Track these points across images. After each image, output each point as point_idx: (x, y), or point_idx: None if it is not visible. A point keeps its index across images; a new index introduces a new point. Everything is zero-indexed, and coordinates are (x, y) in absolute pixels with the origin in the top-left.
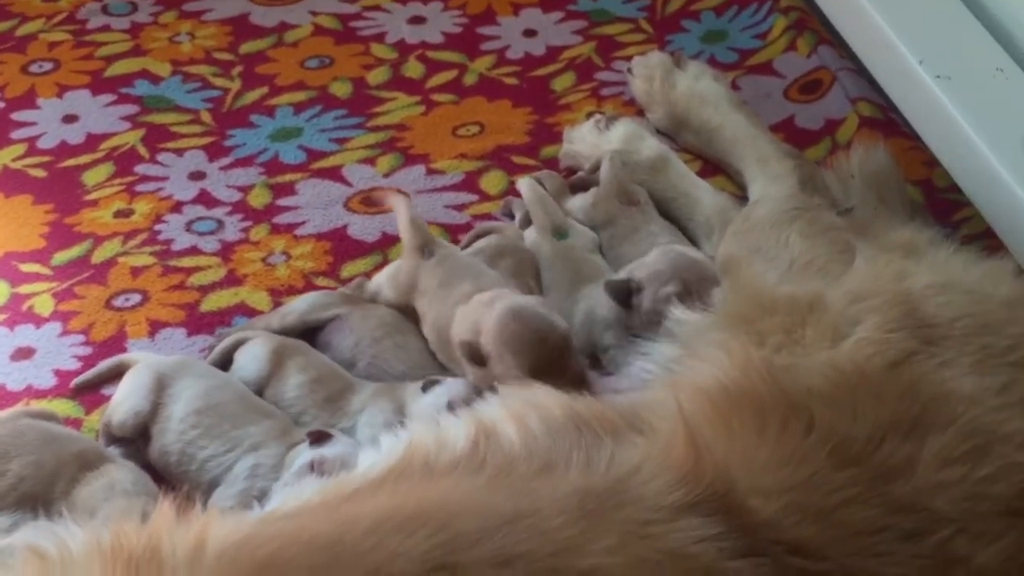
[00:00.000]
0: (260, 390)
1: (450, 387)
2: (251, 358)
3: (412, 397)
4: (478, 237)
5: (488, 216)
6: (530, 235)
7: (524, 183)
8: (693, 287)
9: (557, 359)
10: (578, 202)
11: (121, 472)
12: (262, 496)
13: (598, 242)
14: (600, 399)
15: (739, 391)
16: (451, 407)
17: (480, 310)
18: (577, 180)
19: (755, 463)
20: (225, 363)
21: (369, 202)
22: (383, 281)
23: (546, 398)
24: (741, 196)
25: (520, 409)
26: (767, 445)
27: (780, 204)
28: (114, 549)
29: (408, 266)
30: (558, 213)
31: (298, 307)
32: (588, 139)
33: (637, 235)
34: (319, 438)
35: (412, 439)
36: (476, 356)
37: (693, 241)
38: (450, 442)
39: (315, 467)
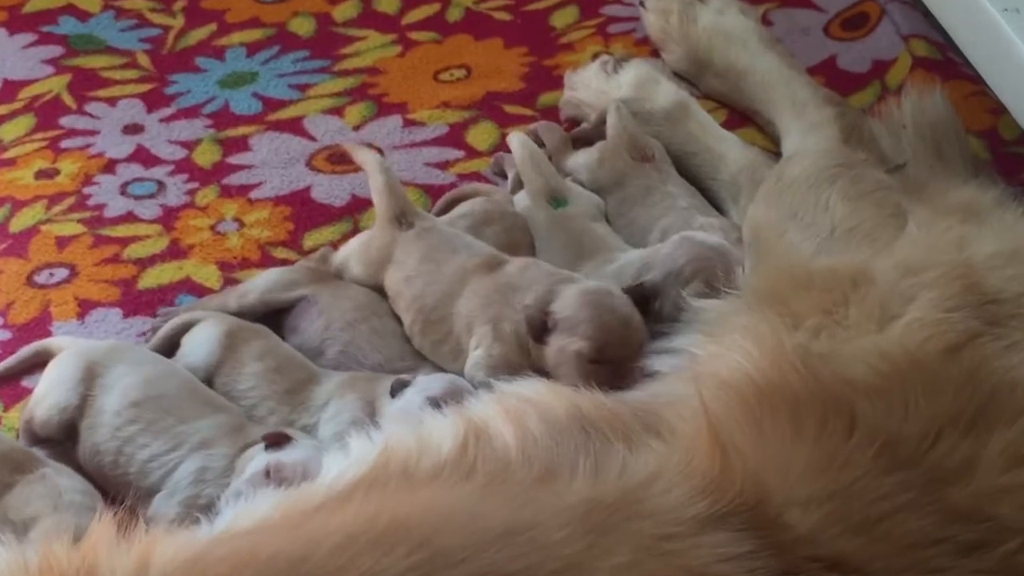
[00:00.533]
0: (210, 379)
1: (424, 386)
2: (200, 342)
3: (384, 396)
4: (456, 201)
5: (476, 176)
6: (522, 200)
7: (515, 138)
8: (718, 281)
9: (631, 352)
10: (581, 159)
11: (64, 478)
12: (210, 505)
13: (603, 208)
14: (610, 396)
15: (770, 385)
16: (433, 403)
17: (551, 283)
18: (580, 133)
19: (790, 468)
20: (169, 349)
21: (336, 159)
22: (351, 254)
23: (548, 395)
24: (773, 151)
25: (517, 407)
26: (804, 447)
27: (819, 160)
28: (43, 573)
29: (381, 238)
30: (555, 174)
31: (258, 285)
32: (593, 85)
33: (651, 197)
34: (277, 441)
35: (388, 441)
36: (540, 326)
37: (716, 204)
38: (434, 444)
39: (271, 474)
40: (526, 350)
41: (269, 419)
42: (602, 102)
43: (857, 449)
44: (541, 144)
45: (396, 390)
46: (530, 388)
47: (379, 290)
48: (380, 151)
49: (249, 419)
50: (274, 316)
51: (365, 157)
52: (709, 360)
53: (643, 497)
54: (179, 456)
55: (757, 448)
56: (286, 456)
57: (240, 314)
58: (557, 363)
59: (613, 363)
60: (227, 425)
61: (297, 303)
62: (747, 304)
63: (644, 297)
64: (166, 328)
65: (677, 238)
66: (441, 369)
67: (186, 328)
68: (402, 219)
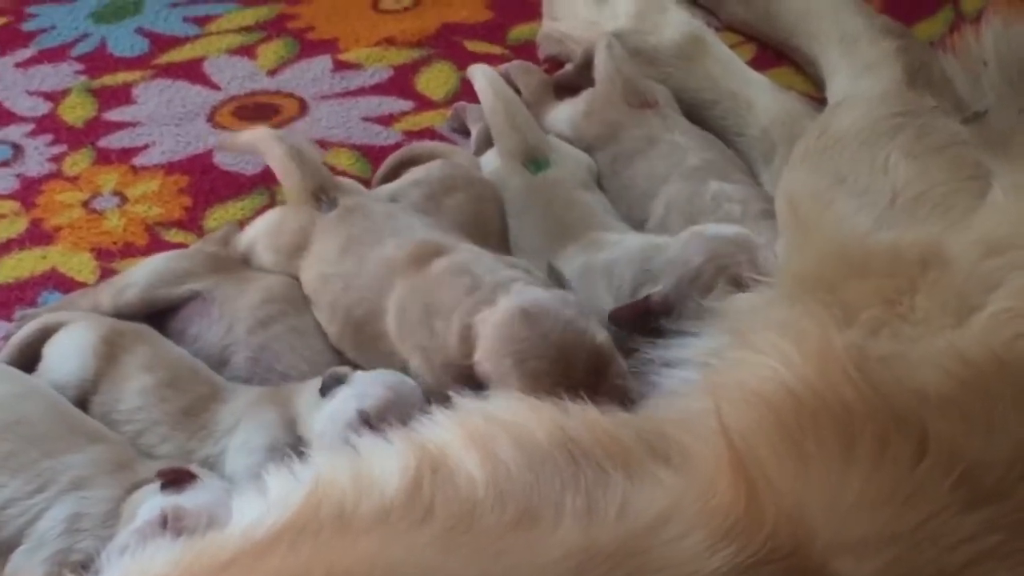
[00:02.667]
0: (83, 400)
1: (360, 389)
2: (69, 353)
3: (307, 405)
4: (405, 166)
5: (430, 133)
6: (491, 162)
7: (480, 74)
8: (738, 276)
9: (585, 379)
10: (565, 112)
11: None
12: (87, 562)
13: (594, 171)
14: (606, 412)
15: (815, 397)
16: (366, 419)
17: (472, 311)
18: (565, 77)
19: (839, 503)
20: (29, 361)
21: (248, 111)
22: (258, 236)
23: (524, 413)
24: (816, 97)
25: (485, 430)
26: (858, 476)
27: (875, 108)
28: None
29: (296, 220)
30: (534, 127)
31: (140, 277)
32: (581, 13)
33: (654, 149)
34: (175, 479)
35: (318, 477)
36: (470, 378)
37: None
38: (378, 480)
39: (168, 523)
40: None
41: (161, 448)
42: (592, 36)
43: (928, 478)
44: (516, 91)
45: (329, 386)
46: (501, 405)
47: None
48: (303, 103)
49: (136, 451)
50: (160, 318)
51: (248, 139)
52: (733, 367)
53: (649, 545)
54: (45, 500)
55: (796, 477)
56: (188, 500)
57: (118, 315)
58: None
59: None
60: (108, 459)
61: (189, 301)
62: (784, 295)
63: (646, 314)
64: (22, 334)
65: (686, 235)
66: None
67: (49, 334)
68: (321, 195)
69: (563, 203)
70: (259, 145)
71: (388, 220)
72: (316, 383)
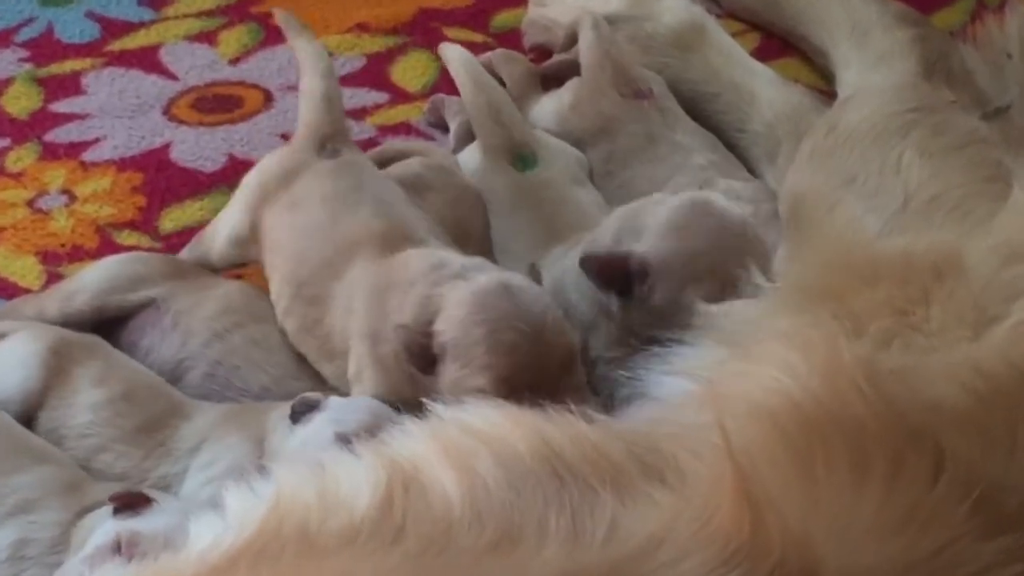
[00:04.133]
0: (28, 415)
1: (336, 414)
2: (13, 364)
3: (277, 430)
4: (380, 165)
5: (405, 128)
6: (472, 160)
7: (456, 61)
8: (736, 278)
9: (553, 373)
10: (549, 105)
11: None
12: None
13: (586, 165)
14: (595, 425)
15: (823, 411)
16: (343, 443)
17: (436, 285)
18: (553, 68)
19: (850, 528)
20: None
21: (208, 103)
22: (234, 213)
23: (505, 425)
24: (825, 91)
25: (461, 444)
26: (870, 498)
27: (889, 102)
28: None
29: (290, 158)
30: (519, 121)
31: (89, 282)
32: None
33: (654, 148)
34: (129, 503)
35: (280, 494)
36: (421, 353)
37: (744, 165)
38: (345, 498)
39: (123, 548)
40: (415, 379)
41: (115, 466)
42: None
43: (945, 501)
44: (500, 82)
45: (299, 413)
46: (479, 416)
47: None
48: (268, 94)
49: (86, 470)
50: (110, 327)
51: (307, 48)
52: (735, 379)
53: (641, 571)
54: None
55: (803, 499)
56: (143, 523)
57: (66, 323)
58: (457, 397)
59: (536, 391)
60: (56, 481)
61: (142, 309)
62: (788, 303)
63: (624, 272)
64: None
65: (686, 200)
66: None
67: None
68: (328, 143)
69: (554, 203)
70: (304, 62)
71: (379, 187)
72: (286, 407)
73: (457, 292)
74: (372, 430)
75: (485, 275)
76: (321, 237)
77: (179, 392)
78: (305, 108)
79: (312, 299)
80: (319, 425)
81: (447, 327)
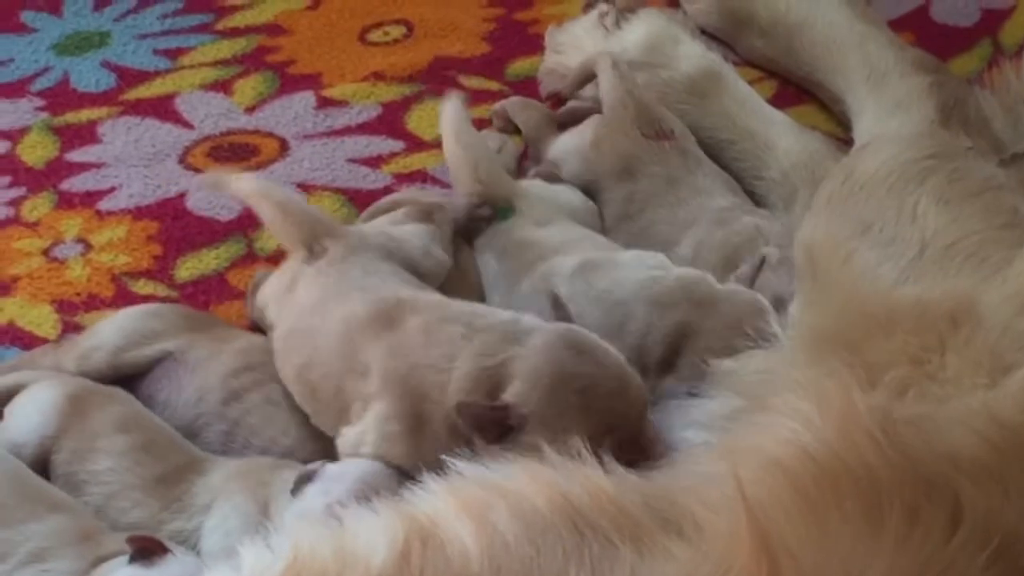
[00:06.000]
0: (43, 460)
1: (329, 481)
2: (31, 410)
3: (283, 495)
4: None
5: (421, 176)
6: (570, 141)
7: (446, 110)
8: (711, 340)
9: (634, 423)
10: (570, 142)
11: None
12: None
13: (593, 211)
14: (612, 478)
15: (838, 462)
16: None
17: (478, 351)
18: (569, 114)
19: None
20: None
21: (223, 152)
22: (269, 293)
23: (523, 479)
24: (842, 138)
25: (479, 498)
26: (885, 550)
27: (905, 150)
28: None
29: (288, 272)
30: (500, 177)
31: (107, 339)
32: (587, 46)
33: (675, 192)
34: (145, 548)
35: (297, 550)
36: (494, 427)
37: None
38: (362, 554)
39: None
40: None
41: (131, 515)
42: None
43: (962, 553)
44: (513, 127)
45: (300, 485)
46: (498, 470)
47: None
48: (284, 143)
49: (101, 517)
50: (128, 383)
51: (237, 185)
52: (749, 430)
53: None
54: (2, 573)
55: (819, 552)
56: (157, 574)
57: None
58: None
59: (625, 441)
60: (70, 530)
61: (159, 362)
62: (803, 353)
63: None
64: None
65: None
66: None
67: (10, 395)
68: (313, 244)
69: (516, 247)
70: (246, 198)
71: (363, 275)
72: (293, 472)
73: (525, 361)
74: (363, 497)
75: (541, 336)
76: (317, 334)
77: (195, 448)
78: (272, 230)
79: (318, 382)
80: (310, 498)
81: (528, 399)
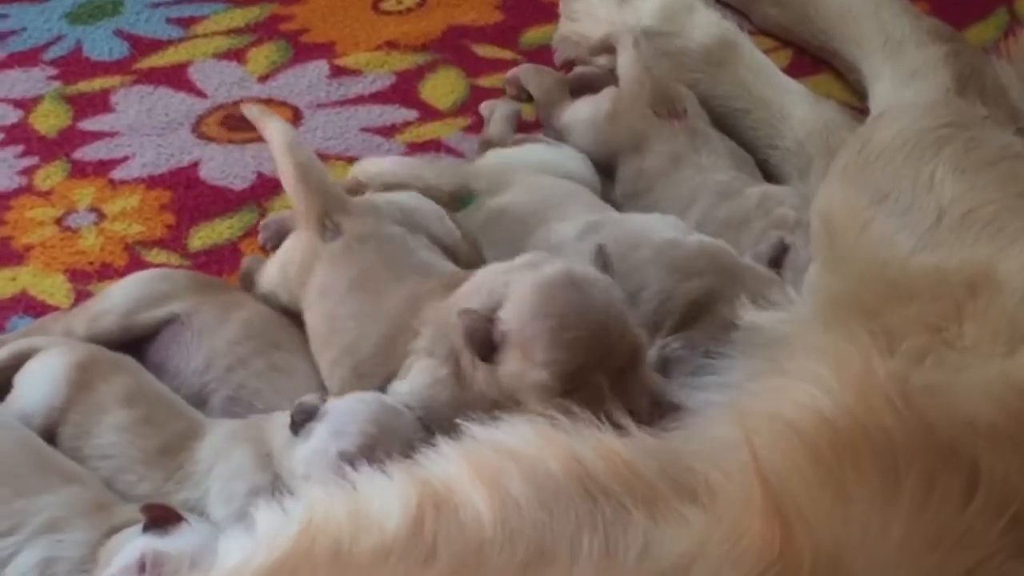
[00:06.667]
0: (50, 430)
1: (339, 423)
2: (40, 379)
3: (281, 441)
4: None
5: (435, 145)
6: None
7: (274, 133)
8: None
9: (618, 369)
10: (585, 110)
11: None
12: None
13: (597, 188)
14: (627, 442)
15: (855, 427)
16: (346, 459)
17: (505, 275)
18: (580, 79)
19: (882, 548)
20: None
21: (235, 122)
22: (274, 274)
23: (537, 444)
24: (857, 107)
25: (493, 463)
26: (902, 518)
27: (921, 118)
28: None
29: (301, 252)
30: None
31: (117, 302)
32: (601, 13)
33: (678, 171)
34: (159, 517)
35: (311, 513)
36: (483, 339)
37: (776, 180)
38: (376, 517)
39: (147, 568)
40: (464, 379)
41: (137, 488)
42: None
43: (979, 518)
44: (526, 95)
45: (299, 422)
46: (511, 434)
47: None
48: (297, 112)
49: (110, 487)
50: (137, 346)
51: (272, 129)
52: (765, 394)
53: None
54: (16, 543)
55: (834, 517)
56: (169, 544)
57: (94, 343)
58: (515, 391)
59: (600, 385)
60: (84, 500)
61: (167, 325)
62: (821, 318)
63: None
64: None
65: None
66: None
67: (21, 362)
68: (326, 221)
69: (491, 225)
70: (273, 144)
71: (406, 254)
72: (285, 415)
73: (523, 282)
74: (378, 443)
75: (552, 265)
76: (371, 322)
77: (195, 411)
78: (290, 192)
79: (368, 363)
80: (320, 442)
81: (509, 316)
